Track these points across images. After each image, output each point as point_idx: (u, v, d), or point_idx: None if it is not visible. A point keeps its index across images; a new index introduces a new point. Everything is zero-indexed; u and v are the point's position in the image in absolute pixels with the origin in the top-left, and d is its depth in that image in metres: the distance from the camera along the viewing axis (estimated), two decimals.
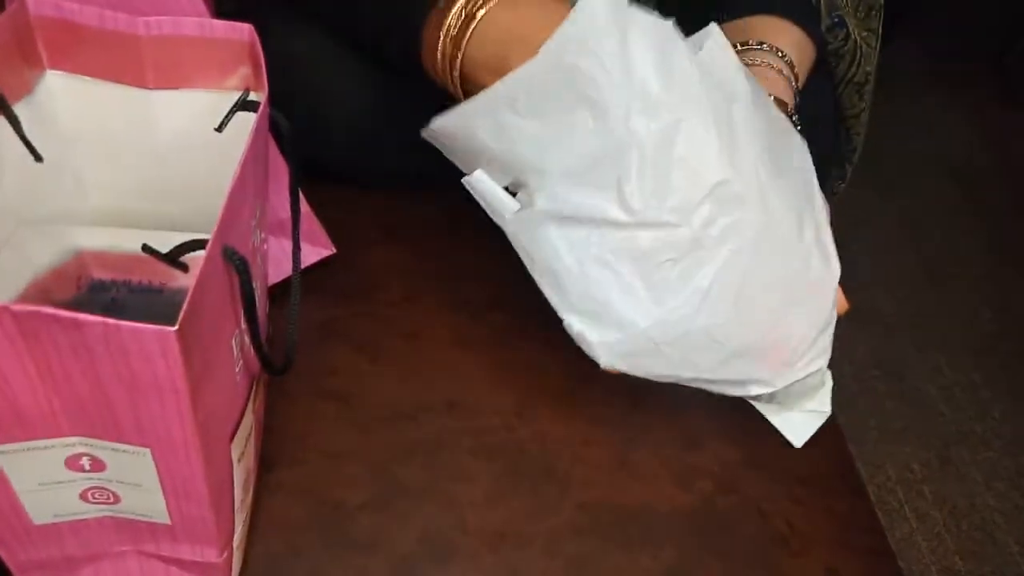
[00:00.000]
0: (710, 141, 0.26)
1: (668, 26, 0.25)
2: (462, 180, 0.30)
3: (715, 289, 0.27)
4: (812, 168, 0.30)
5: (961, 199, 1.29)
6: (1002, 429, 1.00)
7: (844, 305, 0.31)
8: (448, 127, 0.28)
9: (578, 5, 0.25)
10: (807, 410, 0.33)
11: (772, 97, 0.33)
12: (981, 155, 1.38)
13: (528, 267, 0.30)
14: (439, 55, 0.29)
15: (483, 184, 0.29)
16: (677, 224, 0.26)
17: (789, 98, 0.34)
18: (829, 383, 0.33)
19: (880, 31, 0.37)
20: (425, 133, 0.29)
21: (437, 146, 0.30)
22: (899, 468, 0.95)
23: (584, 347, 0.29)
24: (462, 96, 0.30)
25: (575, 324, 0.29)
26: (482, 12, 0.27)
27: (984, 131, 1.41)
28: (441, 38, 0.28)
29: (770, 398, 0.33)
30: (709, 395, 0.35)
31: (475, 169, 0.29)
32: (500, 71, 0.26)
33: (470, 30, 0.27)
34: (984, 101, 1.46)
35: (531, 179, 0.28)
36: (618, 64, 0.25)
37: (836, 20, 0.34)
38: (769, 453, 0.34)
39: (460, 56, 0.28)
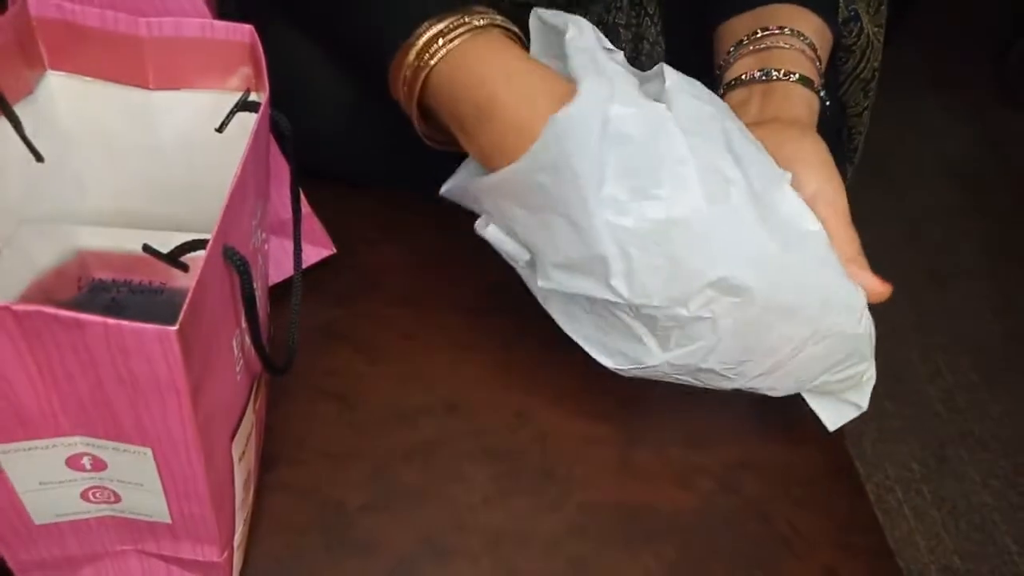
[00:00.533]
0: (703, 237, 0.25)
1: (659, 110, 0.25)
2: (474, 226, 0.31)
3: (722, 345, 0.27)
4: (803, 204, 0.28)
5: (961, 199, 1.29)
6: (1000, 429, 1.00)
7: (884, 290, 0.30)
8: (455, 197, 0.30)
9: (549, 122, 0.25)
10: (845, 400, 0.33)
11: (797, 75, 0.32)
12: (981, 155, 1.38)
13: (540, 300, 0.31)
14: (402, 95, 0.30)
15: (495, 235, 0.30)
16: (672, 307, 0.26)
17: (816, 76, 0.33)
18: (871, 378, 0.32)
19: (885, 25, 0.37)
20: (445, 192, 0.31)
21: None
22: (898, 468, 0.95)
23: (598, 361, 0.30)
24: (423, 128, 0.31)
25: (590, 350, 0.29)
26: (432, 61, 0.28)
27: (984, 131, 1.42)
28: (402, 80, 0.29)
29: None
30: (711, 395, 0.35)
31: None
32: (456, 121, 0.27)
33: (420, 80, 0.29)
34: (984, 101, 1.46)
35: (534, 257, 0.29)
36: (590, 178, 0.24)
37: (852, 13, 0.34)
38: (770, 454, 0.34)
39: (417, 100, 0.29)
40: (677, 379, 0.29)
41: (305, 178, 0.29)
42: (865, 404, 0.32)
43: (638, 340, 0.28)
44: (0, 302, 0.17)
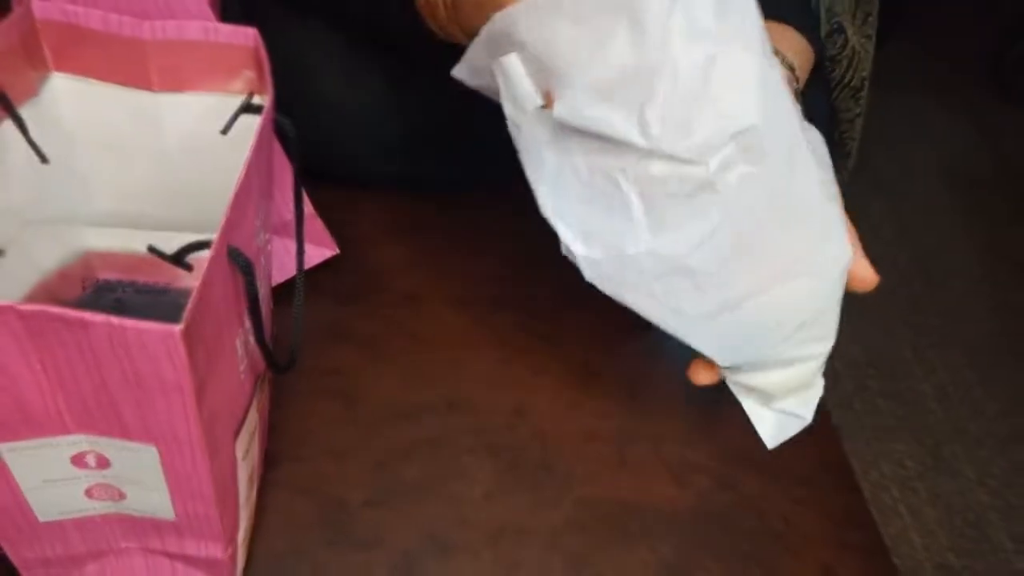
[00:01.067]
0: (750, 82, 0.24)
1: None
2: (493, 62, 0.27)
3: (716, 236, 0.25)
4: (826, 149, 0.28)
5: (957, 199, 1.30)
6: (995, 427, 1.01)
7: (872, 279, 0.29)
8: (491, 34, 0.26)
9: None
10: (787, 411, 0.31)
11: None
12: (978, 156, 1.38)
13: (529, 169, 0.28)
14: None
15: (514, 69, 0.26)
16: (693, 162, 0.24)
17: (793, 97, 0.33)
18: (818, 390, 0.31)
19: (875, 37, 0.37)
20: (456, 70, 0.28)
21: (468, 80, 0.29)
22: (893, 465, 0.96)
23: (569, 256, 0.28)
24: (460, 36, 0.28)
25: (563, 231, 0.27)
26: None
27: (981, 133, 1.42)
28: None
29: (749, 381, 0.31)
30: (708, 393, 0.35)
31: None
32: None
33: None
34: (981, 103, 1.47)
35: (556, 86, 0.25)
36: None
37: (835, 26, 0.34)
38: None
39: None
40: (645, 294, 0.27)
41: (308, 179, 0.29)
42: (809, 416, 0.31)
43: (627, 217, 0.26)
44: (5, 302, 0.17)
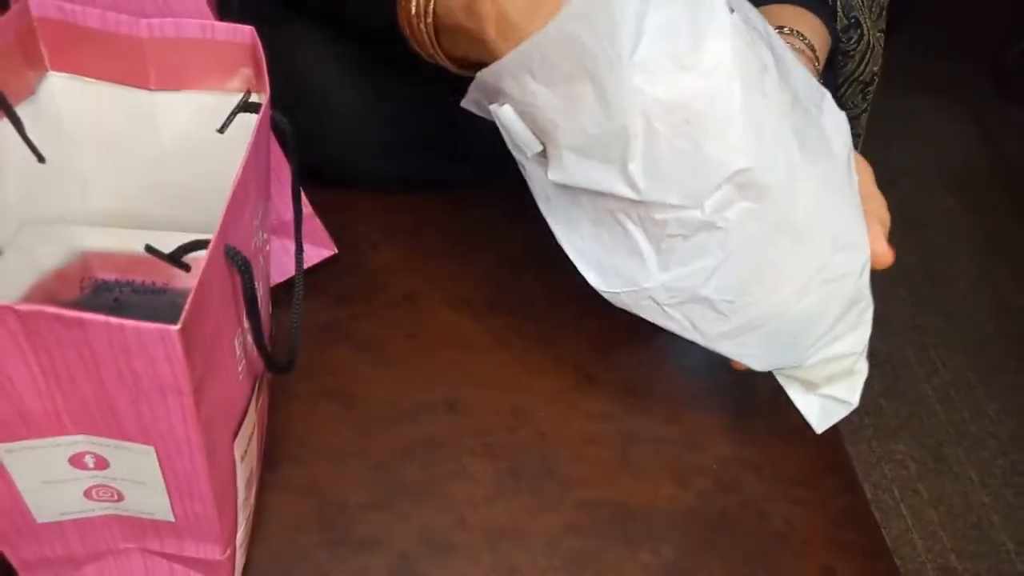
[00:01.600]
0: (735, 122, 0.23)
1: None
2: (489, 107, 0.28)
3: (725, 268, 0.25)
4: (849, 140, 0.27)
5: (958, 199, 1.30)
6: (997, 428, 1.01)
7: (885, 258, 0.29)
8: (482, 82, 0.27)
9: None
10: (833, 397, 0.31)
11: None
12: (978, 156, 1.38)
13: (541, 206, 0.28)
14: (412, 22, 0.28)
15: (509, 117, 0.27)
16: (687, 207, 0.24)
17: (815, 76, 0.33)
18: (863, 374, 0.31)
19: (884, 29, 0.37)
20: (464, 102, 0.29)
21: (477, 112, 0.29)
22: (895, 467, 0.96)
23: (588, 280, 0.28)
24: (442, 58, 0.29)
25: (579, 264, 0.28)
26: None
27: (982, 132, 1.42)
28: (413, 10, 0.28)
29: (791, 372, 0.31)
30: (709, 395, 0.35)
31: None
32: (472, 32, 0.25)
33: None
34: (982, 102, 1.47)
35: (547, 144, 0.26)
36: (627, 35, 0.23)
37: (852, 21, 0.34)
38: (767, 452, 0.34)
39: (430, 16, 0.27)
40: (664, 317, 0.27)
41: (307, 180, 0.29)
42: (855, 400, 0.30)
43: (638, 255, 0.26)
44: (3, 302, 0.17)
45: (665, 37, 0.23)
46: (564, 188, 0.27)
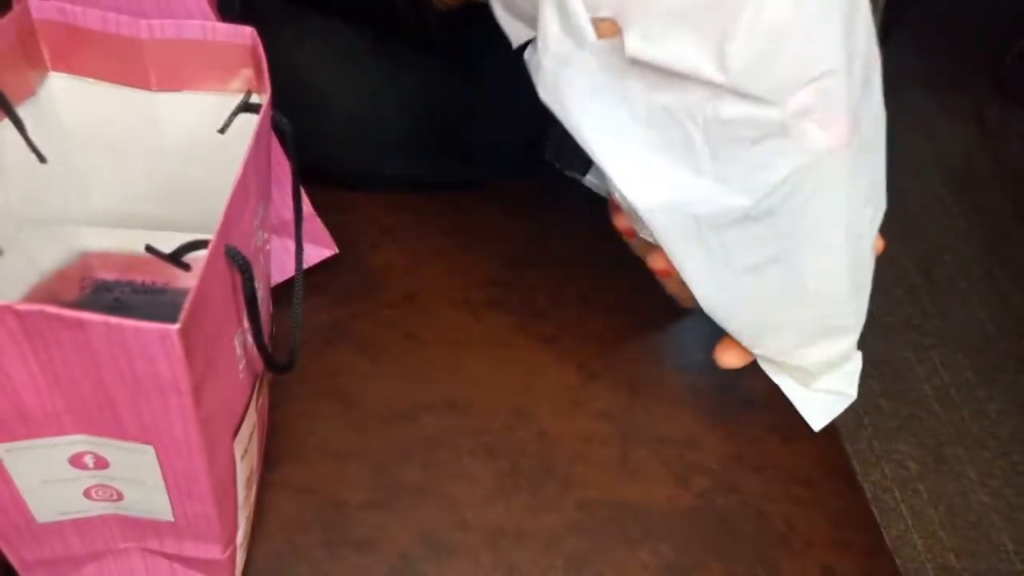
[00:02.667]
0: (835, 23, 0.22)
1: None
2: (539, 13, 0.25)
3: (784, 188, 0.24)
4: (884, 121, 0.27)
5: (958, 200, 1.30)
6: (997, 428, 1.01)
7: (880, 244, 0.28)
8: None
9: None
10: (829, 390, 0.30)
11: None
12: (978, 156, 1.38)
13: (573, 108, 0.25)
14: None
15: (575, 2, 0.24)
16: (770, 102, 0.23)
17: None
18: (857, 363, 0.30)
19: (881, 37, 0.37)
20: None
21: (502, 4, 0.26)
22: (894, 466, 0.96)
23: (619, 199, 0.26)
24: None
25: (614, 174, 0.25)
26: None
27: (981, 133, 1.42)
28: None
29: (786, 359, 0.29)
30: (709, 394, 0.35)
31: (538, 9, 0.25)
32: None
33: None
34: (982, 103, 1.47)
35: (627, 13, 0.23)
36: None
37: None
38: (767, 452, 0.34)
39: None
40: (696, 242, 0.25)
41: (308, 180, 0.29)
42: (854, 392, 0.29)
43: (691, 164, 0.24)
44: (2, 302, 0.17)
45: None
46: (616, 85, 0.25)
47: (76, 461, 0.21)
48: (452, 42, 0.30)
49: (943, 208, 1.28)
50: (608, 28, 0.24)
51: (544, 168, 0.39)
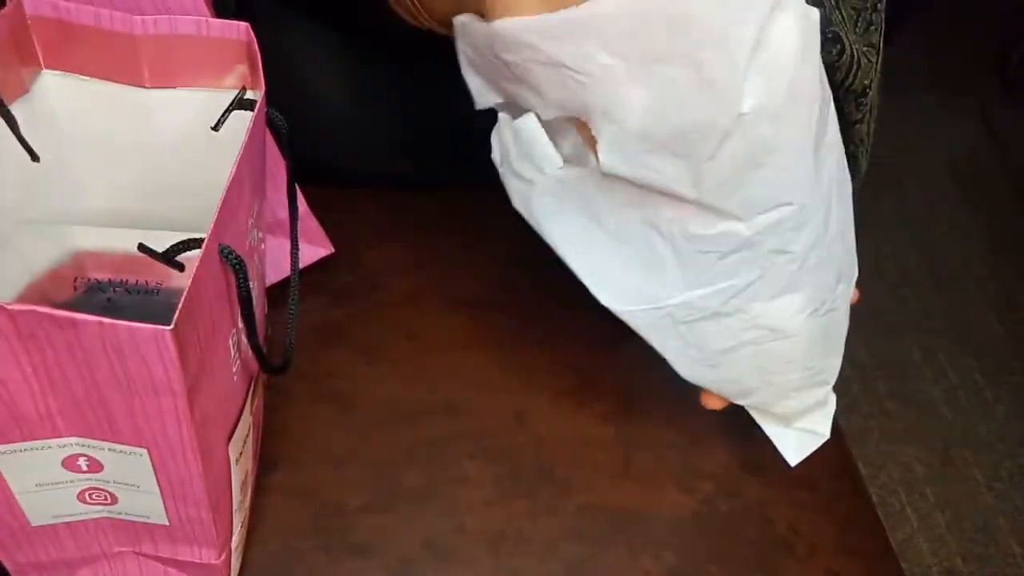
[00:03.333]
0: (806, 157, 0.24)
1: (814, 14, 0.22)
2: (499, 118, 0.26)
3: (754, 287, 0.25)
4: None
5: (964, 200, 1.29)
6: (1004, 430, 1.00)
7: (855, 296, 0.30)
8: (514, 35, 0.23)
9: None
10: (806, 429, 0.32)
11: None
12: (984, 156, 1.38)
13: (546, 226, 0.27)
14: None
15: (531, 129, 0.25)
16: (739, 218, 0.24)
17: None
18: (832, 406, 0.32)
19: (880, 44, 0.37)
20: (457, 29, 0.25)
21: (462, 59, 0.26)
22: (901, 469, 0.95)
23: (598, 299, 0.27)
24: (434, 25, 0.27)
25: (591, 283, 0.27)
26: None
27: (987, 131, 1.41)
28: None
29: (766, 407, 0.32)
30: None
31: (505, 99, 0.26)
32: None
33: None
34: (987, 101, 1.46)
35: (601, 126, 0.23)
36: (750, 35, 0.21)
37: (830, 35, 0.33)
38: (771, 456, 0.34)
39: None
40: (673, 336, 0.27)
41: (304, 179, 0.28)
42: (827, 432, 0.32)
43: (662, 271, 0.25)
44: None
45: (775, 55, 0.22)
46: (583, 203, 0.26)
47: (70, 464, 0.21)
48: (447, 42, 0.30)
49: (950, 208, 1.27)
50: (583, 127, 0.25)
51: None
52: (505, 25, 0.23)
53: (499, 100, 0.27)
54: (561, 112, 0.24)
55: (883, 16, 0.38)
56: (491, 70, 0.26)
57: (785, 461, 0.34)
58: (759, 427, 0.35)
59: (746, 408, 0.32)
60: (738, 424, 0.35)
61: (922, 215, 1.25)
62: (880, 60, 0.38)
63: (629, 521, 0.31)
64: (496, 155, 0.28)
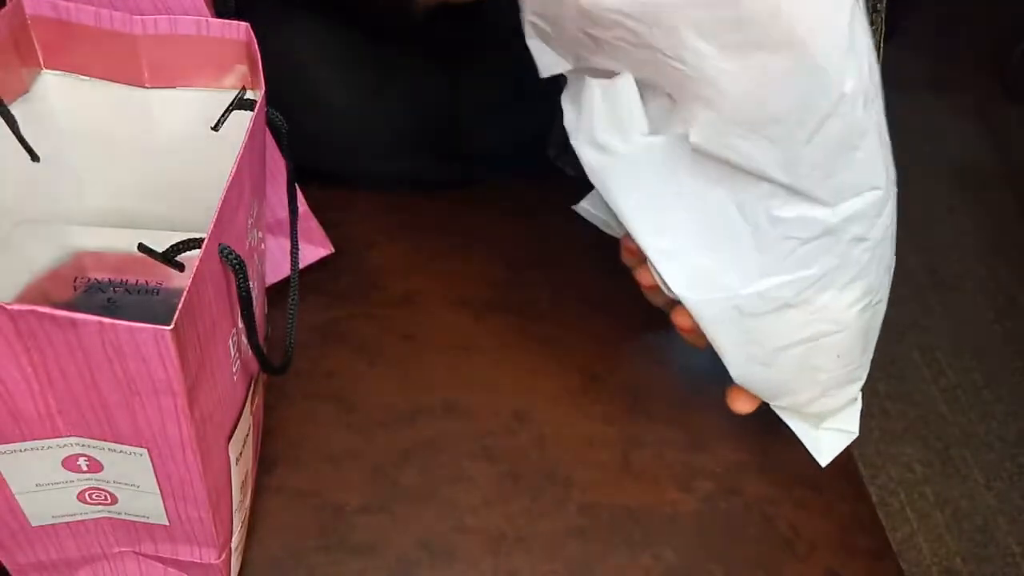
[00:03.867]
0: (886, 139, 0.24)
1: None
2: (575, 83, 0.25)
3: (822, 281, 0.25)
4: None
5: (963, 200, 1.29)
6: (1004, 430, 1.00)
7: None
8: (607, 15, 0.22)
9: None
10: (834, 428, 0.32)
11: None
12: (983, 156, 1.38)
13: (621, 199, 0.26)
14: None
15: (628, 90, 0.24)
16: (827, 204, 0.24)
17: None
18: (858, 403, 0.32)
19: (881, 44, 0.37)
20: (528, 32, 0.25)
21: (528, 28, 0.25)
22: (901, 469, 0.95)
23: (657, 278, 0.27)
24: None
25: (667, 266, 0.26)
26: None
27: (986, 132, 1.41)
28: None
29: (798, 408, 0.31)
30: (712, 397, 0.34)
31: (579, 66, 0.25)
32: None
33: None
34: (986, 102, 1.46)
35: (694, 110, 0.23)
36: (846, 14, 0.21)
37: None
38: (771, 455, 0.34)
39: None
40: (737, 330, 0.26)
41: (304, 179, 0.28)
42: (857, 429, 0.31)
43: (741, 258, 0.24)
44: None
45: (861, 45, 0.22)
46: (666, 178, 0.25)
47: (69, 464, 0.21)
48: (447, 41, 0.30)
49: (949, 208, 1.27)
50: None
51: (544, 168, 0.39)
52: (598, 4, 0.22)
53: (569, 67, 0.26)
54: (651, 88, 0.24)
55: (883, 17, 0.38)
56: (571, 42, 0.25)
57: (785, 460, 0.34)
58: (759, 426, 0.35)
59: (775, 410, 0.31)
60: (740, 423, 0.35)
61: (921, 214, 1.25)
62: (880, 60, 0.38)
63: (629, 520, 0.31)
64: (570, 122, 0.26)
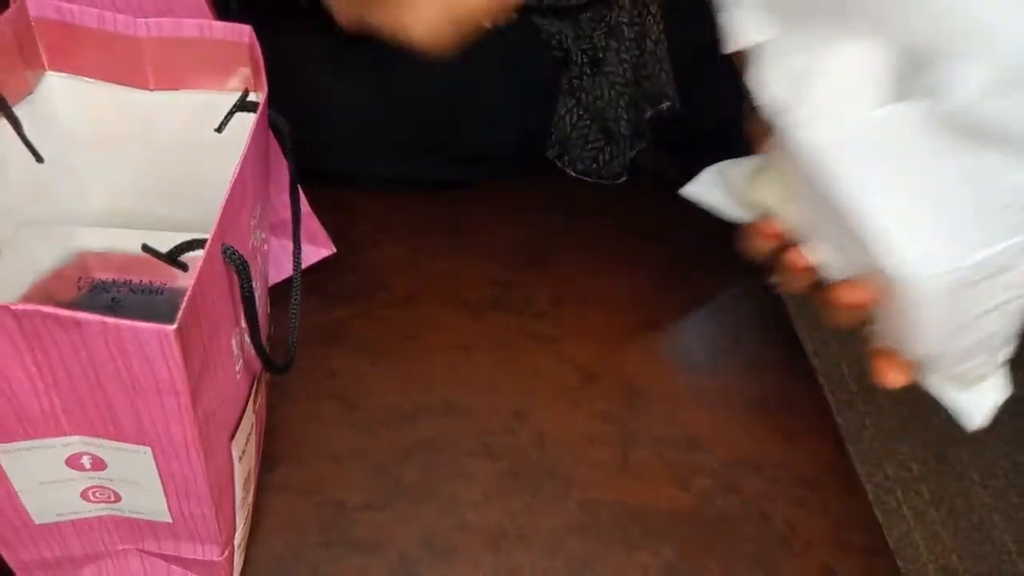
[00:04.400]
0: None
1: None
2: (780, 54, 0.23)
3: None
4: None
5: None
6: (999, 428, 1.00)
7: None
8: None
9: None
10: (985, 391, 0.29)
11: None
12: None
13: (843, 183, 0.24)
14: None
15: (863, 58, 0.22)
16: None
17: None
18: (1006, 364, 0.29)
19: None
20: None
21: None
22: (897, 467, 0.95)
23: (900, 261, 0.24)
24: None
25: (908, 239, 0.24)
26: None
27: None
28: None
29: (959, 378, 0.29)
30: (710, 395, 0.35)
31: (790, 31, 0.23)
32: None
33: None
34: None
35: (966, 64, 0.21)
36: None
37: None
38: (768, 453, 0.34)
39: None
40: (942, 307, 0.24)
41: (306, 180, 0.29)
42: (1010, 387, 0.29)
43: (963, 228, 0.23)
44: (0, 302, 0.17)
45: None
46: (892, 144, 0.23)
47: (73, 462, 0.21)
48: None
49: None
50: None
51: (544, 168, 0.39)
52: None
53: (775, 35, 0.24)
54: (897, 46, 0.22)
55: None
56: (794, 4, 0.23)
57: (783, 458, 0.34)
58: (757, 424, 0.35)
59: (925, 381, 0.29)
60: (737, 422, 0.35)
61: None
62: None
63: (628, 517, 0.31)
64: (776, 97, 0.24)
